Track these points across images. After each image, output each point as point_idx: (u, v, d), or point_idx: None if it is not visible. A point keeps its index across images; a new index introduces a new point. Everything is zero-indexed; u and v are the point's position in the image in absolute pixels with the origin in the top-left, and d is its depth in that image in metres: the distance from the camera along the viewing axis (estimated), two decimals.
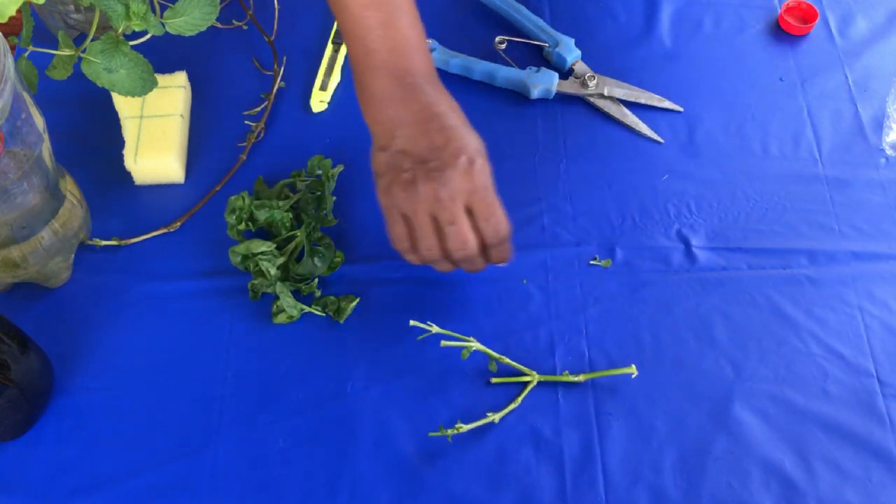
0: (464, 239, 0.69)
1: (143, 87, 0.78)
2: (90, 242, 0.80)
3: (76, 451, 0.71)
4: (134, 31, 0.77)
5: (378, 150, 0.71)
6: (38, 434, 0.72)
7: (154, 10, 0.79)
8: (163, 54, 0.86)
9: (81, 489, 0.70)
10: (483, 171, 0.69)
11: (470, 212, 0.69)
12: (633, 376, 0.74)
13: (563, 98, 0.91)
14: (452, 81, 0.91)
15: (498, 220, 0.70)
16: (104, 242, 0.80)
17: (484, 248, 0.71)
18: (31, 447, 0.71)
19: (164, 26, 0.78)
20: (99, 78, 0.76)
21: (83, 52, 0.76)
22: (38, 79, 0.78)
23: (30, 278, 0.76)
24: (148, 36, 0.79)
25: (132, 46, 0.78)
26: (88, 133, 0.87)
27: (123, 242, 0.81)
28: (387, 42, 0.71)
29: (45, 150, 0.70)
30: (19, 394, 0.68)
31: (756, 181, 0.86)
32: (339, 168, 0.83)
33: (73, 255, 0.78)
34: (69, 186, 0.77)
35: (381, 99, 0.71)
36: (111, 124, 0.86)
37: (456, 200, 0.68)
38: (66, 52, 0.76)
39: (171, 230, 0.82)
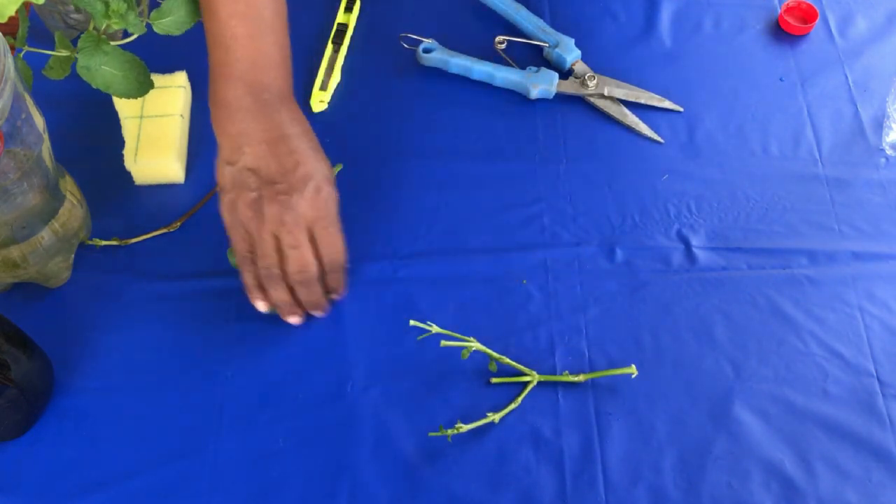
0: (305, 263, 0.70)
1: (139, 90, 0.78)
2: (90, 242, 0.80)
3: (76, 451, 0.71)
4: (125, 32, 0.77)
5: (224, 163, 0.70)
6: (38, 434, 0.72)
7: (142, 11, 0.79)
8: (163, 54, 0.86)
9: (81, 489, 0.70)
10: (329, 199, 0.70)
11: (312, 237, 0.70)
12: (633, 376, 0.74)
13: (563, 98, 0.91)
14: (452, 81, 0.92)
15: (337, 250, 0.71)
16: (104, 242, 0.80)
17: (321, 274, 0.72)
18: (31, 447, 0.71)
19: (149, 26, 0.78)
20: (94, 80, 0.76)
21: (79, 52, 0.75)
22: (37, 79, 0.78)
23: (30, 278, 0.76)
24: (135, 36, 0.79)
25: (129, 47, 0.78)
26: (88, 133, 0.87)
27: (123, 242, 0.81)
28: (249, 53, 0.70)
29: (45, 150, 0.70)
30: (19, 394, 0.68)
31: (756, 181, 0.86)
32: (339, 167, 0.83)
33: (72, 255, 0.78)
34: (69, 186, 0.77)
35: (233, 110, 0.70)
36: (111, 124, 0.86)
37: (300, 225, 0.69)
38: (63, 52, 0.76)
39: (171, 230, 0.82)
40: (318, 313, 0.75)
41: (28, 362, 0.69)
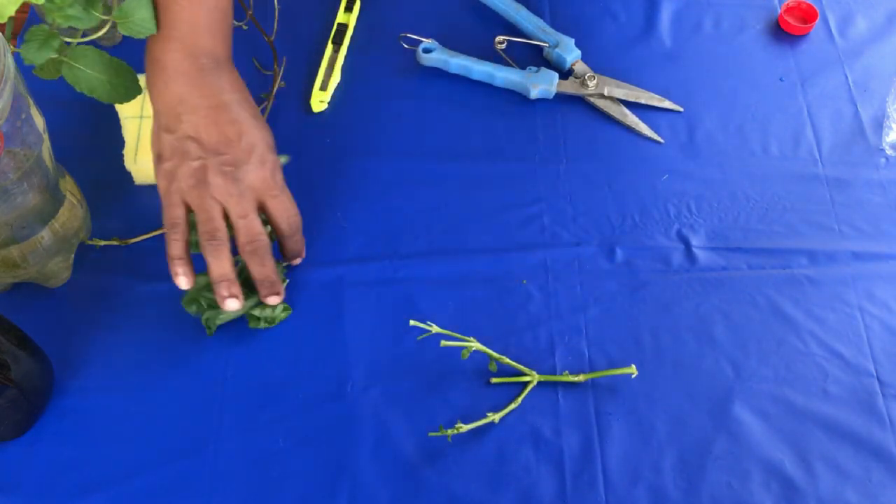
0: (255, 231, 0.69)
1: (126, 94, 0.75)
2: (90, 242, 0.80)
3: (76, 451, 0.71)
4: (125, 37, 0.74)
5: (163, 131, 0.69)
6: (38, 434, 0.72)
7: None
8: None
9: (81, 489, 0.70)
10: (275, 167, 0.71)
11: (261, 207, 0.70)
12: (633, 376, 0.74)
13: (563, 98, 0.91)
14: (452, 81, 0.92)
15: (292, 213, 0.72)
16: (104, 242, 0.80)
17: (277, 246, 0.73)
18: (31, 447, 0.71)
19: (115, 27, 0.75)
20: (78, 83, 0.73)
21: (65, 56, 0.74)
22: (38, 79, 0.77)
23: (30, 278, 0.76)
24: (99, 34, 0.75)
25: (123, 49, 0.75)
26: (88, 133, 0.87)
27: (123, 242, 0.81)
28: (188, 16, 0.69)
29: (45, 150, 0.70)
30: (19, 394, 0.68)
31: (756, 181, 0.86)
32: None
33: (72, 255, 0.78)
34: (69, 186, 0.77)
35: (171, 74, 0.69)
36: (111, 124, 0.86)
37: (247, 197, 0.68)
38: (52, 56, 0.74)
39: None
40: (272, 300, 0.73)
41: (28, 362, 0.69)
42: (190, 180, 0.68)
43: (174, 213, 0.70)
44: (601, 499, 0.70)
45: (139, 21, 0.74)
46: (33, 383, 0.70)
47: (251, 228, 0.69)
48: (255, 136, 0.69)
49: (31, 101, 0.68)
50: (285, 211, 0.72)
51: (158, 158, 0.70)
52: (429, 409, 0.73)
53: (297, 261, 0.76)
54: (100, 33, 0.76)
